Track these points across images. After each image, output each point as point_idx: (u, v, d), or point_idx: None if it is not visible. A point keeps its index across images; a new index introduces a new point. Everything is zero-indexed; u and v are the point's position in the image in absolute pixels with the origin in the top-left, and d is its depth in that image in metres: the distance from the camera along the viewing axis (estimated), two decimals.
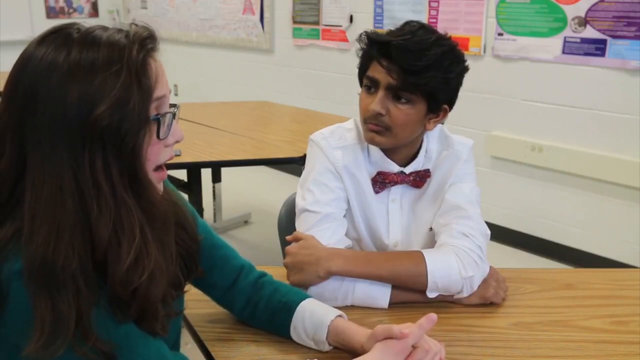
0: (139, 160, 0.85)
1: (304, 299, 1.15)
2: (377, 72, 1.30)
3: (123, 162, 0.83)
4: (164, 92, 0.88)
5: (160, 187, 0.94)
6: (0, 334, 0.83)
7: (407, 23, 1.32)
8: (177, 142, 0.93)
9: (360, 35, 1.34)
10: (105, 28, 0.86)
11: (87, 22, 0.87)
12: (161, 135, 0.88)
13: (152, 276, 0.86)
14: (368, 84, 1.33)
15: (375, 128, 1.32)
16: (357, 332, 1.08)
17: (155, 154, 0.89)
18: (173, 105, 0.93)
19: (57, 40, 0.82)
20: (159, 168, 0.92)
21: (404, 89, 1.28)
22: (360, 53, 1.36)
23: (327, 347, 1.11)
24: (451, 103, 1.36)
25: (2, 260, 0.80)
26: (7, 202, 0.82)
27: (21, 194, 0.81)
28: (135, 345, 0.86)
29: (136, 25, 0.88)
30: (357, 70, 1.38)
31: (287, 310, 1.14)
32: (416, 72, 1.25)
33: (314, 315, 1.12)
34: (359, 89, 1.38)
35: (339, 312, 1.13)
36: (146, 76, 0.84)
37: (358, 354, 1.04)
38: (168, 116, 0.89)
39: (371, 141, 1.35)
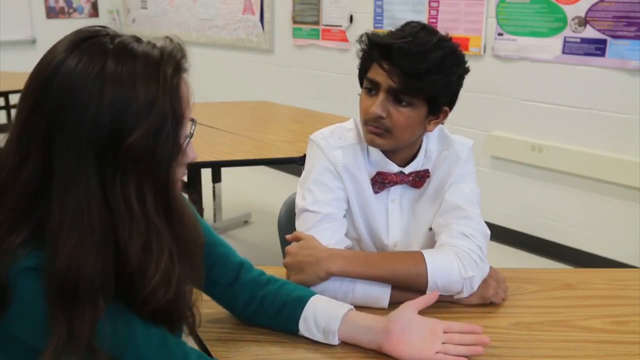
0: (172, 186, 0.85)
1: (315, 294, 1.17)
2: (377, 74, 1.29)
3: (156, 187, 0.83)
4: (190, 115, 0.88)
5: None
6: (6, 332, 0.83)
7: (408, 24, 1.32)
8: (189, 162, 0.93)
9: (361, 37, 1.34)
10: (139, 41, 0.84)
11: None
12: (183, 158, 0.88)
13: (174, 298, 0.87)
14: (368, 85, 1.33)
15: (376, 130, 1.32)
16: (376, 318, 1.11)
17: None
18: (191, 120, 0.93)
19: (90, 50, 0.80)
20: None
21: (405, 92, 1.27)
22: (360, 54, 1.35)
23: (336, 341, 1.11)
24: (452, 104, 1.36)
25: (10, 261, 0.79)
26: (25, 211, 0.81)
27: (40, 205, 0.80)
28: (138, 333, 0.87)
29: (171, 40, 0.87)
30: (357, 71, 1.38)
31: (298, 302, 1.14)
32: (417, 76, 1.25)
33: (328, 307, 1.13)
34: (359, 89, 1.38)
35: (352, 307, 1.15)
36: (179, 103, 0.84)
37: (370, 345, 1.09)
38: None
39: (372, 143, 1.35)
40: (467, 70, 1.33)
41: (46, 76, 0.80)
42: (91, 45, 0.81)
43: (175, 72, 0.83)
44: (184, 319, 0.96)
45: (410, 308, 1.12)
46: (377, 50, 1.29)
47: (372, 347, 1.10)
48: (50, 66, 0.80)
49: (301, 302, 1.14)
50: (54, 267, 0.78)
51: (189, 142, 0.90)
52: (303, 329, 1.13)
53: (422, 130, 1.37)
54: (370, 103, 1.31)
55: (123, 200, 0.80)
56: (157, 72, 0.81)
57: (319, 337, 1.12)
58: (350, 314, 1.13)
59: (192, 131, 0.91)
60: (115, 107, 0.78)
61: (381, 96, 1.29)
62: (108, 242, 0.80)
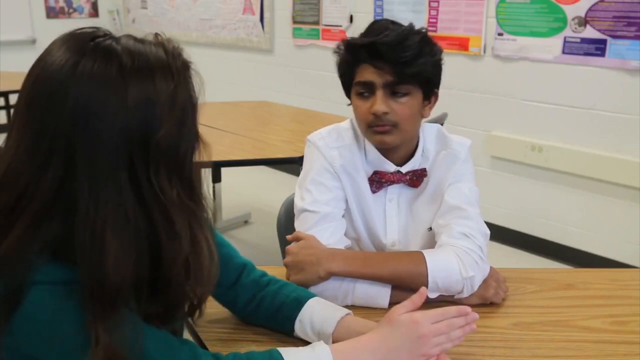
0: (196, 173, 0.87)
1: (314, 297, 1.16)
2: (369, 74, 1.30)
3: (182, 178, 0.84)
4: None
5: None
6: (9, 348, 0.80)
7: (375, 22, 1.35)
8: None
9: (339, 46, 1.37)
10: (141, 41, 0.84)
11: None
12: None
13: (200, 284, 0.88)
14: (361, 90, 1.34)
15: (383, 129, 1.32)
16: (370, 324, 1.08)
17: None
18: None
19: (100, 51, 0.79)
20: None
21: (402, 82, 1.29)
22: (341, 64, 1.37)
23: (330, 344, 1.10)
24: (438, 85, 1.38)
25: (24, 270, 0.77)
26: (43, 224, 0.78)
27: (60, 216, 0.78)
28: (144, 336, 0.86)
29: (165, 37, 0.88)
30: None
31: (296, 304, 1.14)
32: (409, 63, 1.27)
33: (324, 310, 1.12)
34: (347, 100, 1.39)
35: (350, 311, 1.13)
36: (194, 91, 0.87)
37: None
38: None
39: (381, 143, 1.35)
40: (441, 50, 1.37)
41: (59, 83, 0.77)
42: (98, 46, 0.79)
43: (184, 65, 0.86)
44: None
45: (398, 313, 1.05)
46: (365, 51, 1.30)
47: None
48: (60, 72, 0.77)
49: (299, 304, 1.14)
50: (93, 276, 0.76)
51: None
52: (299, 330, 1.13)
53: (421, 118, 1.38)
54: (368, 105, 1.32)
55: (155, 198, 0.80)
56: (169, 67, 0.83)
57: (313, 340, 1.11)
58: (347, 319, 1.10)
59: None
60: (139, 107, 0.78)
61: (379, 93, 1.30)
62: (144, 245, 0.80)
